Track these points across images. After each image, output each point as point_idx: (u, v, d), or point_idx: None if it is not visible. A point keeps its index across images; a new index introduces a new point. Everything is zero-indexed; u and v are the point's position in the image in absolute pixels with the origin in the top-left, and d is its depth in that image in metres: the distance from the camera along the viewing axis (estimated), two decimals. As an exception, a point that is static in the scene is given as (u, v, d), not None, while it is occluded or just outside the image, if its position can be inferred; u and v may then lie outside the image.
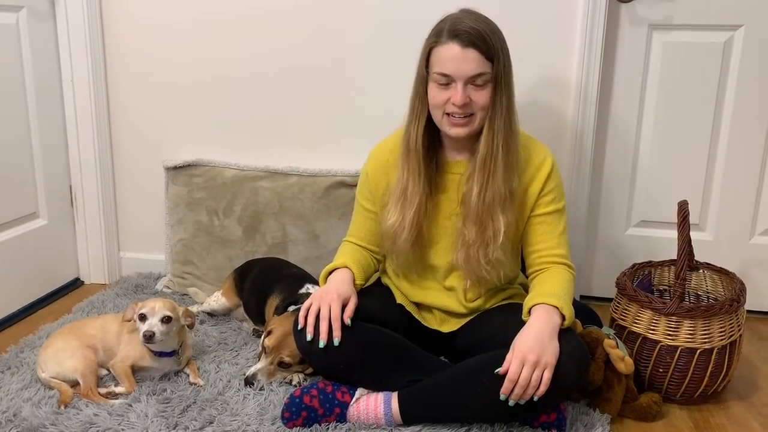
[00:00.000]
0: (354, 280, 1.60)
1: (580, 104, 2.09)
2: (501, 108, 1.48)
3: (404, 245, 1.58)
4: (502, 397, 1.38)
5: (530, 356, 1.36)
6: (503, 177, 1.50)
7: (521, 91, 2.09)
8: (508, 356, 1.38)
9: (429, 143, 1.57)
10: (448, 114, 1.49)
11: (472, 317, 1.67)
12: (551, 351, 1.38)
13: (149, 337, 1.59)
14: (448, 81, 1.46)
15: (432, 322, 1.69)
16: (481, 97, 1.47)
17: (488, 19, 1.49)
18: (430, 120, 1.55)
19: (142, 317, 1.62)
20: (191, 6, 2.21)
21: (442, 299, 1.67)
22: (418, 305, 1.70)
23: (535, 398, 1.37)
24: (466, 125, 1.49)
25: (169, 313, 1.63)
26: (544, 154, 1.60)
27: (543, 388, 1.36)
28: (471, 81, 1.45)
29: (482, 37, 1.43)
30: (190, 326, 1.73)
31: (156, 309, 1.63)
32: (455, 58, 1.44)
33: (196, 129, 2.32)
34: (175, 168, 2.27)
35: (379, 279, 1.81)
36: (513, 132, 1.51)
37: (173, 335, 1.67)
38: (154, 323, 1.61)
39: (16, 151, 2.12)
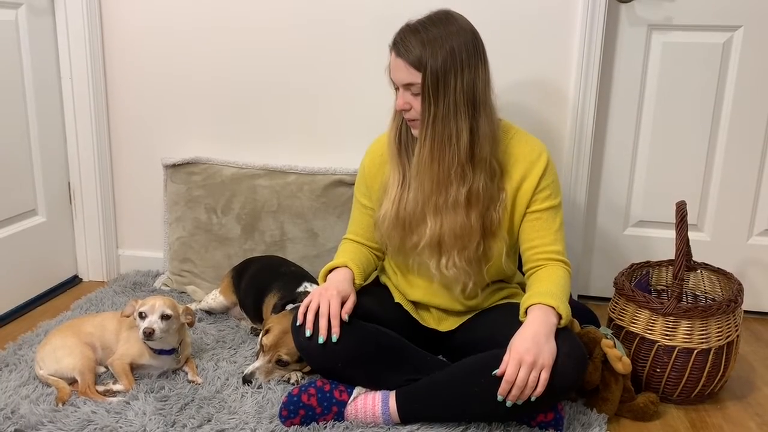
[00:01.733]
0: (353, 279, 1.60)
1: (578, 103, 2.09)
2: (428, 118, 1.47)
3: (391, 235, 1.60)
4: (500, 398, 1.39)
5: (527, 357, 1.36)
6: (430, 187, 1.52)
7: (519, 90, 2.10)
8: (505, 357, 1.38)
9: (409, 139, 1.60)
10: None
11: (469, 316, 1.67)
12: (548, 351, 1.38)
13: (149, 334, 1.60)
14: (396, 86, 1.53)
15: (430, 321, 1.69)
16: (419, 104, 1.49)
17: (446, 22, 1.47)
18: None
19: (142, 315, 1.63)
20: (191, 4, 2.20)
21: (440, 297, 1.67)
22: (416, 304, 1.71)
23: (533, 398, 1.38)
24: (416, 128, 1.54)
25: (169, 311, 1.63)
26: (539, 150, 1.60)
27: (540, 389, 1.36)
28: (407, 88, 1.49)
29: (409, 49, 1.45)
30: (190, 324, 1.73)
31: (156, 306, 1.63)
32: (393, 66, 1.51)
33: (195, 127, 2.32)
34: (174, 166, 2.27)
35: (377, 278, 1.81)
36: (444, 144, 1.48)
37: (173, 333, 1.67)
38: (153, 320, 1.61)
39: (15, 148, 2.12)
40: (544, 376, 1.36)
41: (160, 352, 1.68)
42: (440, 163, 1.49)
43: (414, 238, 1.59)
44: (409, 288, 1.70)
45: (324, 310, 1.49)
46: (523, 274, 1.65)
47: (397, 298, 1.69)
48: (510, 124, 1.62)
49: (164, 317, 1.62)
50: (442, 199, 1.52)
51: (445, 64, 1.44)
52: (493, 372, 1.39)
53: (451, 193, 1.51)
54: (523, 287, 1.68)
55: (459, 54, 1.44)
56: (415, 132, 1.53)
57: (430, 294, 1.67)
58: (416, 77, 1.45)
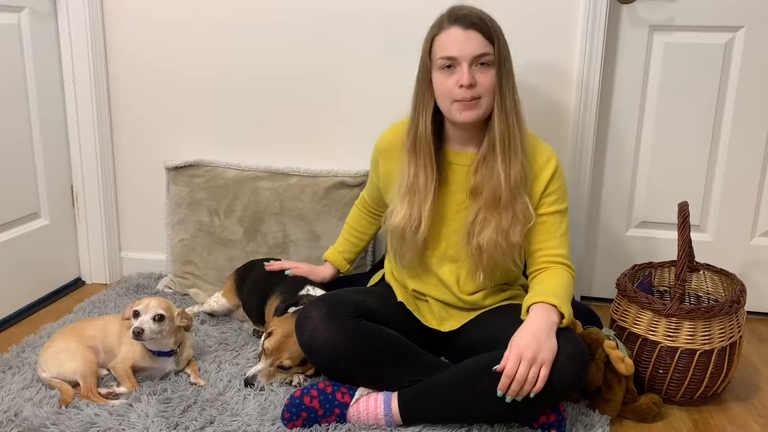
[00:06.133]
0: (336, 274, 1.94)
1: (581, 105, 2.09)
2: (508, 88, 1.52)
3: (417, 241, 1.59)
4: (499, 393, 1.39)
5: (527, 352, 1.36)
6: (522, 156, 1.53)
7: (522, 92, 2.09)
8: (506, 353, 1.39)
9: (435, 135, 1.59)
10: (456, 101, 1.52)
11: (471, 318, 1.67)
12: (548, 348, 1.38)
13: (137, 334, 1.59)
14: (452, 64, 1.50)
15: (431, 320, 1.69)
16: (487, 78, 1.50)
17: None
18: (435, 112, 1.57)
19: (136, 314, 1.63)
20: (193, 7, 2.21)
21: (439, 291, 1.68)
22: (417, 298, 1.71)
23: (532, 395, 1.38)
24: (474, 108, 1.52)
25: (161, 312, 1.62)
26: (548, 154, 1.61)
27: (540, 385, 1.36)
28: (475, 62, 1.49)
29: (482, 19, 1.50)
30: (187, 328, 1.72)
31: (149, 306, 1.63)
32: (458, 40, 1.49)
33: (197, 129, 2.32)
34: (177, 168, 2.27)
35: (382, 277, 1.82)
36: (520, 115, 1.56)
37: (167, 335, 1.66)
38: (145, 320, 1.61)
39: (18, 151, 2.13)
40: (544, 372, 1.36)
41: (159, 353, 1.68)
42: (511, 139, 1.52)
43: (438, 244, 1.64)
44: (409, 278, 1.70)
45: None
46: (527, 278, 1.65)
47: (400, 297, 1.69)
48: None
49: (156, 318, 1.62)
50: (504, 174, 1.52)
51: (504, 39, 1.52)
52: (494, 367, 1.39)
53: (510, 174, 1.52)
54: (525, 289, 1.68)
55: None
56: (468, 114, 1.52)
57: (430, 285, 1.68)
58: (489, 47, 1.49)
